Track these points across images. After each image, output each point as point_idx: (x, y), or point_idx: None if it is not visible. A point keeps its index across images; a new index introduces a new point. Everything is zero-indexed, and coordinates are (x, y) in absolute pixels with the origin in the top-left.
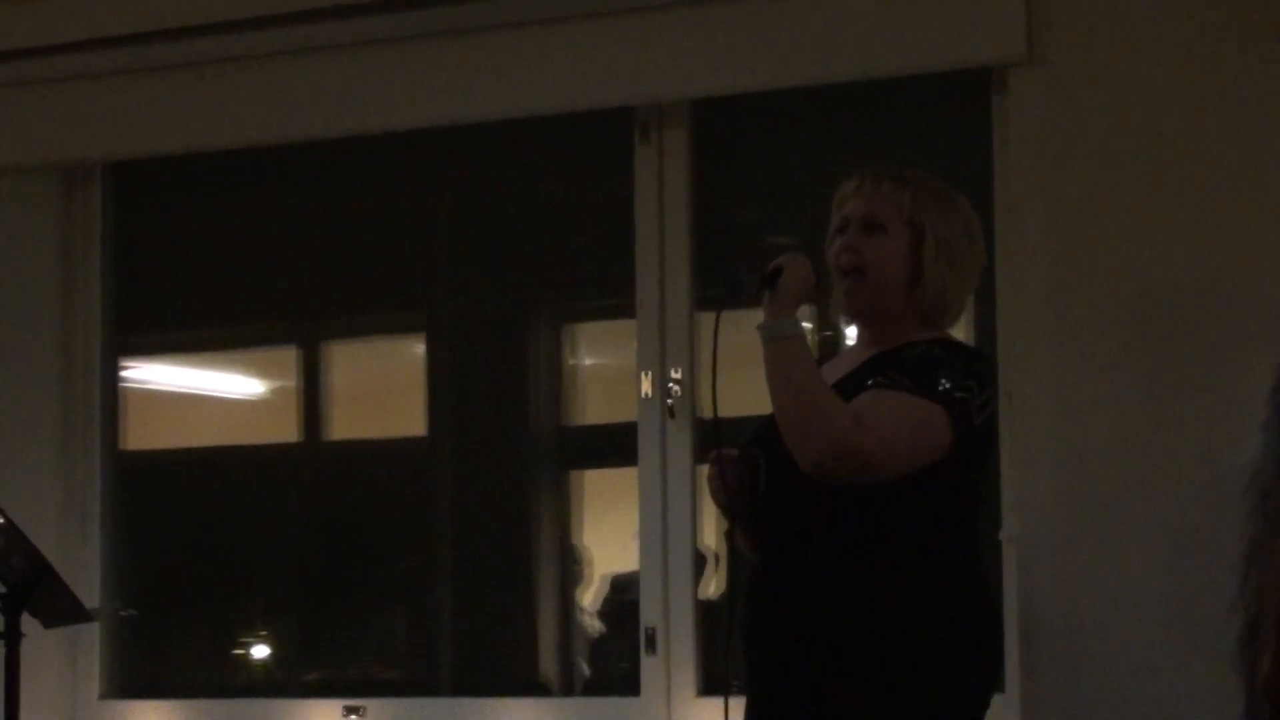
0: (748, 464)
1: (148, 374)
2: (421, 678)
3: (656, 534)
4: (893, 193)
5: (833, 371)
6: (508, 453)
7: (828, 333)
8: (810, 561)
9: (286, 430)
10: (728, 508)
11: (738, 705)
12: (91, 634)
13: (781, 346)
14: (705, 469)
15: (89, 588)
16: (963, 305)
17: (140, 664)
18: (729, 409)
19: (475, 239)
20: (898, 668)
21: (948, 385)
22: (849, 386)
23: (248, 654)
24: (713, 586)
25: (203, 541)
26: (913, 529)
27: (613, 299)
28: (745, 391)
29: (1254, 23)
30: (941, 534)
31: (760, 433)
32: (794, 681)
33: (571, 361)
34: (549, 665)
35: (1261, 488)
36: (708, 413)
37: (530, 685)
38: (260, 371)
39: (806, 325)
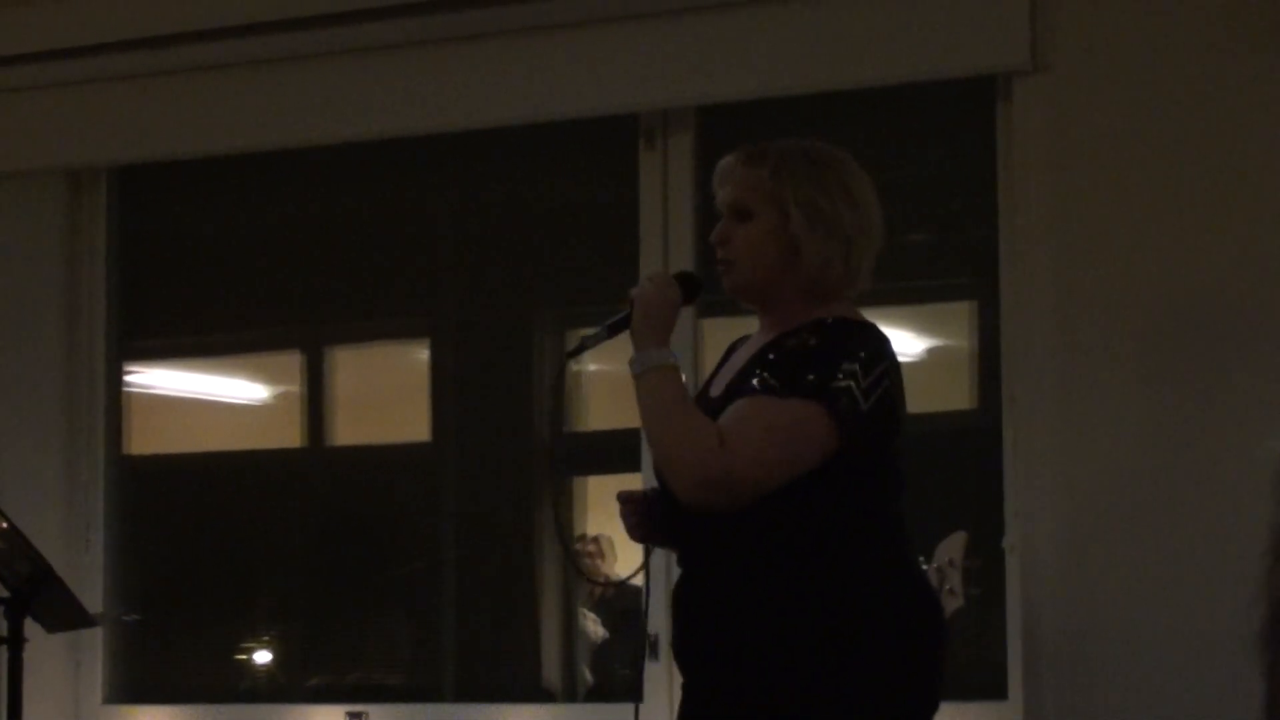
0: (649, 499)
1: (152, 379)
2: (424, 683)
3: None
4: (751, 174)
5: (738, 360)
6: (511, 458)
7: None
8: (720, 572)
9: (290, 435)
10: (642, 542)
11: None
12: (95, 639)
13: (640, 382)
14: None
15: (92, 593)
16: (860, 271)
17: (143, 669)
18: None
19: (480, 244)
20: (811, 679)
21: (819, 379)
22: (739, 385)
23: (251, 659)
24: None
25: (206, 546)
26: (820, 528)
27: (617, 305)
28: None
29: (1259, 29)
30: (855, 530)
31: None
32: (712, 694)
33: (576, 367)
34: (552, 671)
35: None
36: None
37: (533, 691)
38: (264, 376)
39: None
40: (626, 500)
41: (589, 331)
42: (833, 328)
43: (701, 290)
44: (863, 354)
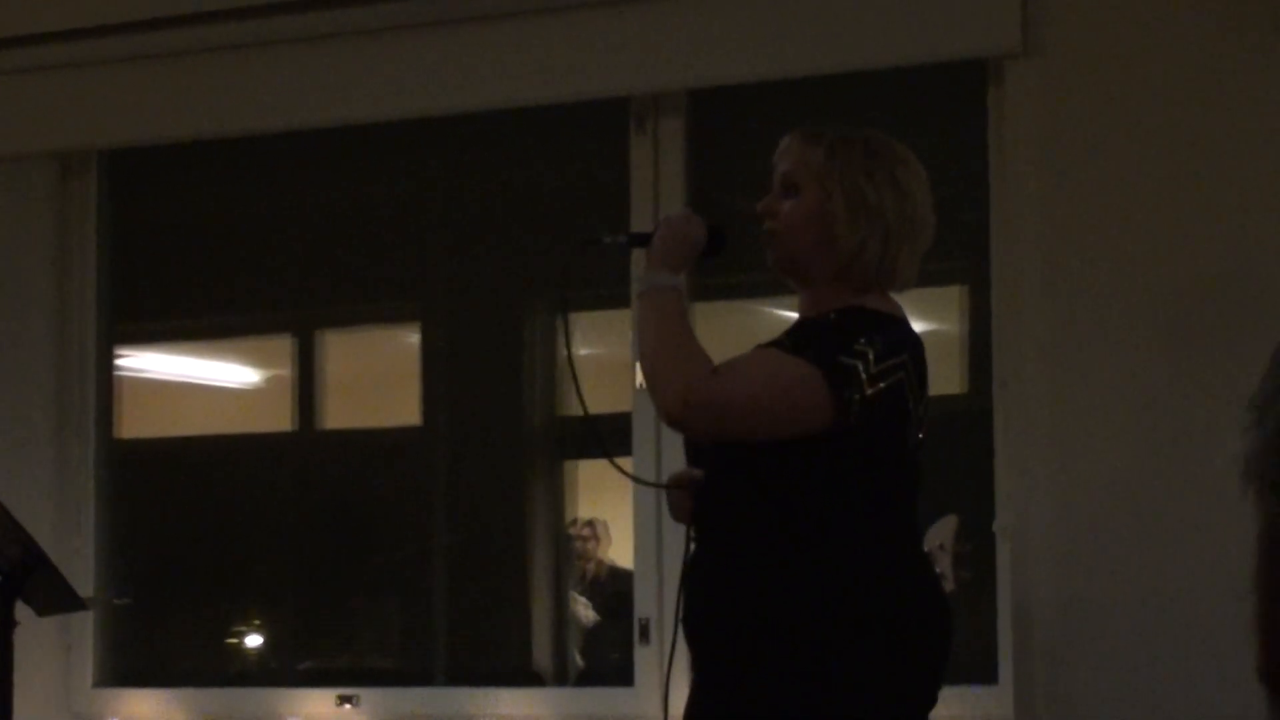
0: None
1: (143, 362)
2: (415, 667)
3: (650, 524)
4: (805, 151)
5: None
6: (502, 442)
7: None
8: (727, 549)
9: (281, 419)
10: (686, 523)
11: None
12: (85, 622)
13: (646, 300)
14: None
15: (83, 576)
16: (900, 263)
17: (134, 652)
18: None
19: (471, 228)
20: (812, 660)
21: (828, 350)
22: None
23: (241, 643)
24: None
25: (197, 530)
26: (825, 512)
27: (608, 289)
28: None
29: (1251, 14)
30: (863, 518)
31: None
32: (718, 671)
33: (565, 351)
34: (543, 655)
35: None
36: None
37: (524, 675)
38: (255, 360)
39: None
40: (680, 481)
41: (612, 236)
42: (857, 311)
43: (725, 246)
44: (880, 341)
